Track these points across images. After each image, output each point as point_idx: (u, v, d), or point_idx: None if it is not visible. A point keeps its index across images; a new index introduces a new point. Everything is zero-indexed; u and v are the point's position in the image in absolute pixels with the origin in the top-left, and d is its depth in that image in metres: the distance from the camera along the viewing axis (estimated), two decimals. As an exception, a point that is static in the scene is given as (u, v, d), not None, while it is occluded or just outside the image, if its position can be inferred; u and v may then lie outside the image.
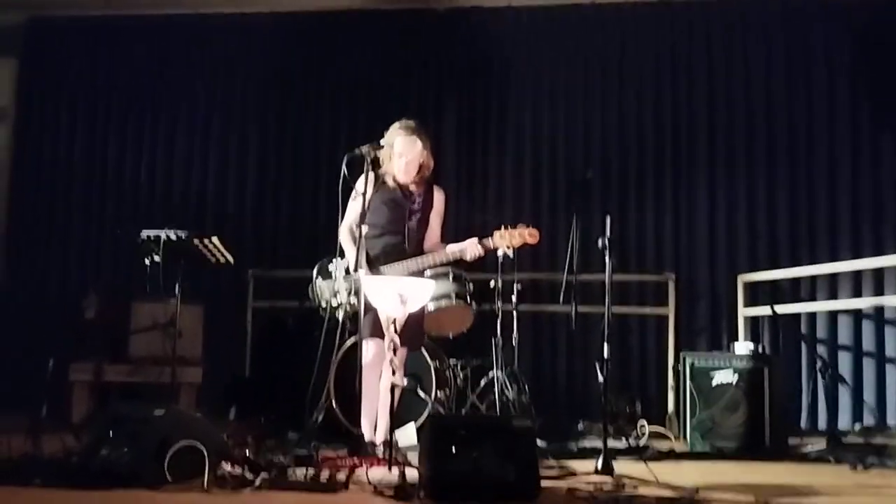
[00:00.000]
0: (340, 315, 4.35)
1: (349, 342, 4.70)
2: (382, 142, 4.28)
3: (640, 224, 6.54)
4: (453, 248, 4.33)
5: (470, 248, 4.24)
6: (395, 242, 4.30)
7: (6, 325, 6.90)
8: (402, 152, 4.31)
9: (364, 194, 4.11)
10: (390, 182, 4.37)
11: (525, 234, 4.21)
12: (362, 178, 4.24)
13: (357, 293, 4.04)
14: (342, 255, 4.43)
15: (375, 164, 4.26)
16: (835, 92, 6.33)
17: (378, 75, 6.85)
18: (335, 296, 4.42)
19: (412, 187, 4.38)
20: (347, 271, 4.40)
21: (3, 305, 6.95)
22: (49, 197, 7.09)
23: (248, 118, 7.03)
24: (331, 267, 4.51)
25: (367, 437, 4.14)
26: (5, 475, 3.19)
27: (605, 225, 4.03)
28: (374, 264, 4.25)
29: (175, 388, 4.81)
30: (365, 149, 4.16)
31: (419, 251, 4.39)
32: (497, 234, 4.23)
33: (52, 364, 4.47)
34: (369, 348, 4.14)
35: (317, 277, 4.56)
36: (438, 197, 4.48)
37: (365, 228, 4.02)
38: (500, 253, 4.45)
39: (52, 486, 3.05)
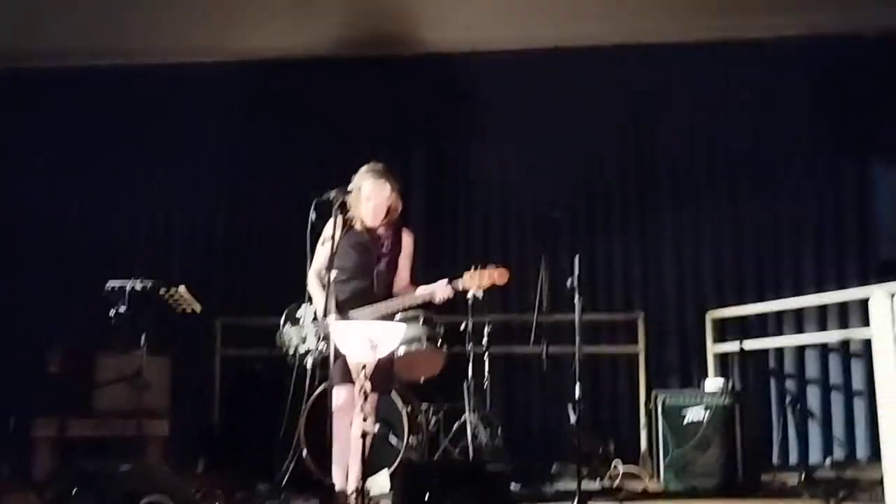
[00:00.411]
0: (309, 362, 4.29)
1: (319, 389, 4.64)
2: (350, 186, 4.29)
3: (608, 263, 6.60)
4: (423, 291, 4.31)
5: (440, 291, 4.23)
6: (364, 287, 4.28)
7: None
8: (369, 196, 4.30)
9: (332, 238, 4.09)
10: (358, 226, 4.36)
11: (494, 275, 4.20)
12: (330, 222, 4.22)
13: (327, 339, 4.02)
14: (311, 300, 4.40)
15: (343, 208, 4.25)
16: (795, 128, 6.47)
17: (346, 120, 6.87)
18: (303, 342, 4.38)
19: (380, 230, 4.37)
20: (316, 317, 4.37)
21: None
22: (11, 247, 6.96)
23: (215, 165, 7.01)
24: (299, 313, 4.47)
25: (338, 487, 4.07)
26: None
27: (574, 265, 4.05)
28: (343, 309, 4.21)
29: (142, 442, 4.71)
30: (333, 193, 4.15)
31: (388, 294, 4.35)
32: (467, 275, 4.22)
33: (13, 421, 4.36)
34: (339, 395, 4.09)
35: (285, 324, 4.52)
36: (407, 239, 4.47)
37: (334, 273, 3.99)
38: (470, 294, 4.43)
39: (14, 548, 2.96)
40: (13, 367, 6.51)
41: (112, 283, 4.31)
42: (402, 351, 4.88)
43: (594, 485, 4.71)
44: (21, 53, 6.92)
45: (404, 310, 4.35)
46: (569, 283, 4.01)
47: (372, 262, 4.31)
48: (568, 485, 4.83)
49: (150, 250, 6.91)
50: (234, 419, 5.92)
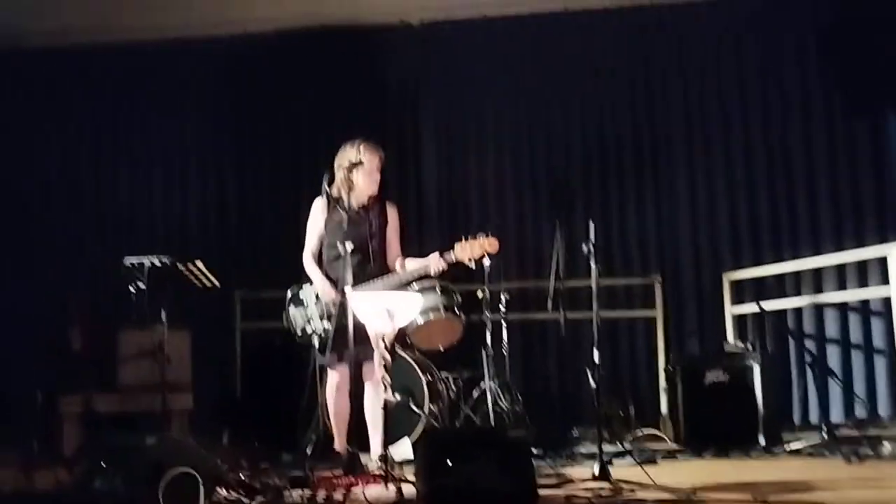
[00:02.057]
0: (316, 342, 4.38)
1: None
2: (339, 162, 4.39)
3: (623, 227, 6.57)
4: (416, 265, 4.37)
5: (433, 263, 4.29)
6: (358, 262, 4.29)
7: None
8: (363, 161, 4.36)
9: (346, 210, 4.13)
10: (345, 203, 4.40)
11: (485, 245, 4.26)
12: (318, 200, 4.40)
13: (330, 318, 4.22)
14: (310, 281, 4.49)
15: (331, 185, 4.35)
16: (809, 85, 6.37)
17: (356, 90, 6.86)
18: (308, 322, 4.45)
19: (367, 206, 4.41)
20: (318, 298, 4.45)
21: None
22: (29, 227, 7.02)
23: (227, 140, 7.02)
24: (302, 294, 4.53)
25: (339, 448, 4.31)
26: (-1, 512, 3.16)
27: (589, 230, 4.04)
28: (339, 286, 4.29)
29: (166, 415, 4.77)
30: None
31: (383, 268, 4.41)
32: (458, 246, 4.28)
33: (40, 398, 4.43)
34: (334, 374, 4.31)
35: (289, 305, 4.57)
36: (392, 212, 4.55)
37: (346, 247, 4.02)
38: (479, 263, 4.46)
39: (47, 522, 3.02)
40: (37, 346, 6.62)
41: (130, 260, 4.33)
42: (420, 320, 4.91)
43: (615, 448, 4.72)
44: (24, 33, 6.92)
45: (402, 285, 4.37)
46: (584, 248, 4.00)
47: (364, 237, 4.33)
48: (589, 449, 4.86)
49: (168, 227, 6.95)
50: (257, 391, 5.97)
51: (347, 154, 4.40)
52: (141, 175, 7.05)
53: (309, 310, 4.45)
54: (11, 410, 6.07)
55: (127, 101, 7.09)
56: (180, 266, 4.40)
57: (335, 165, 4.40)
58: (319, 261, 4.49)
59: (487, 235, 4.27)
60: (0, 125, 7.14)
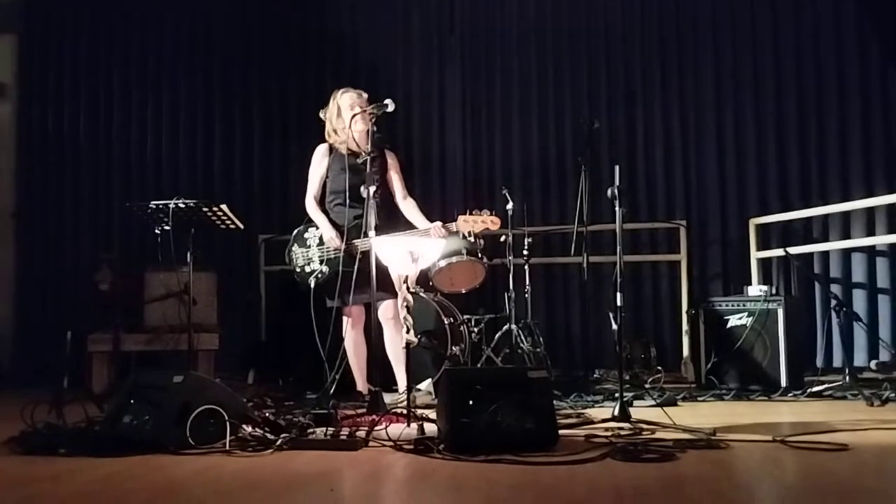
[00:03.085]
0: (312, 283, 4.46)
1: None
2: (330, 112, 4.50)
3: (649, 172, 6.51)
4: (418, 231, 4.44)
5: (434, 231, 4.35)
6: (361, 211, 4.30)
7: (24, 301, 6.99)
8: (348, 104, 4.44)
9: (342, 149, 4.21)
10: (343, 150, 4.48)
11: (487, 221, 4.33)
12: (320, 147, 4.53)
13: (330, 262, 4.43)
14: (315, 225, 4.55)
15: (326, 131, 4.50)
16: (842, 27, 6.22)
17: (373, 36, 6.82)
18: (308, 263, 4.50)
19: (366, 153, 4.36)
20: (321, 241, 4.49)
21: (19, 282, 7.01)
22: (56, 171, 7.10)
23: (250, 85, 7.01)
24: (306, 235, 4.57)
25: (361, 388, 4.52)
26: (32, 446, 3.24)
27: (614, 175, 4.00)
28: (349, 235, 4.37)
29: (192, 355, 4.84)
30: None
31: (390, 214, 4.51)
32: (461, 219, 4.35)
33: (70, 336, 4.51)
34: (354, 312, 4.46)
35: (293, 244, 4.61)
36: (391, 156, 4.64)
37: (370, 189, 4.04)
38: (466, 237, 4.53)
39: (78, 455, 3.09)
40: (66, 286, 6.75)
41: (155, 203, 4.36)
42: (443, 263, 4.94)
43: (636, 391, 4.75)
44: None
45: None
46: (609, 192, 3.96)
47: (364, 184, 4.32)
48: (609, 390, 4.89)
49: (191, 172, 6.99)
50: (281, 332, 6.06)
51: (338, 100, 4.49)
52: (166, 119, 7.07)
53: (311, 252, 4.53)
54: (42, 348, 6.23)
55: (150, 44, 7.08)
56: (205, 209, 4.42)
57: (336, 111, 4.49)
58: (322, 207, 4.55)
59: (492, 213, 4.34)
60: (26, 70, 7.19)
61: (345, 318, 4.46)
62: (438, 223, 4.36)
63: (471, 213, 4.34)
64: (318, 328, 4.16)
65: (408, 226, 4.54)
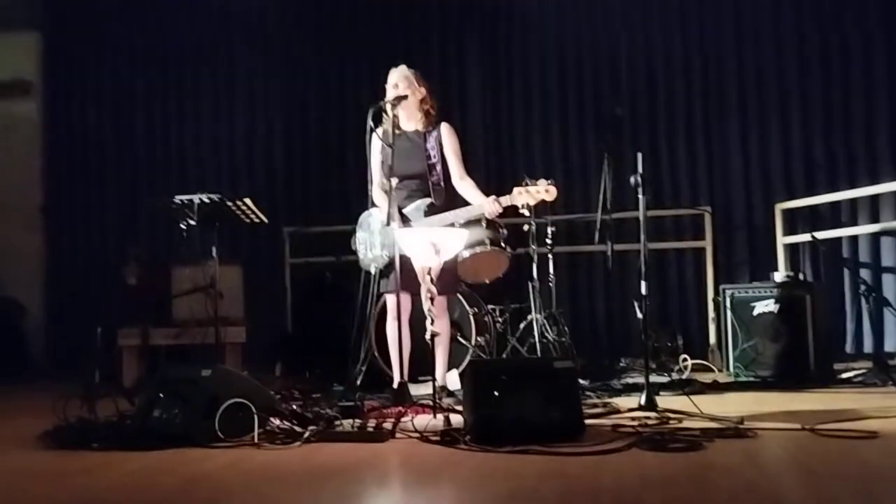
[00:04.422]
0: (373, 269, 4.35)
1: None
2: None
3: (672, 158, 6.46)
4: (473, 208, 4.27)
5: (488, 206, 4.19)
6: (417, 189, 4.27)
7: (54, 296, 7.09)
8: (390, 82, 4.33)
9: (391, 141, 4.11)
10: (399, 129, 4.33)
11: (542, 192, 4.10)
12: (375, 136, 4.30)
13: (390, 246, 4.12)
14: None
15: (379, 117, 4.27)
16: (868, 6, 6.12)
17: (399, 25, 6.80)
18: (371, 248, 4.45)
19: (420, 127, 4.31)
20: (381, 224, 4.43)
21: (49, 276, 7.12)
22: (82, 167, 7.19)
23: (273, 77, 7.03)
24: (370, 219, 4.52)
25: (397, 381, 4.26)
26: (64, 440, 3.29)
27: (637, 161, 3.97)
28: (405, 217, 4.26)
29: (220, 349, 4.89)
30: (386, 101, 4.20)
31: (445, 194, 4.36)
32: (516, 191, 4.14)
33: (99, 331, 4.57)
34: (394, 301, 4.21)
35: (357, 229, 4.57)
36: (447, 132, 4.42)
37: (394, 181, 4.02)
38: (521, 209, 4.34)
39: (110, 449, 3.15)
40: (95, 282, 6.83)
41: (180, 198, 4.40)
42: (466, 254, 4.92)
43: (662, 378, 4.73)
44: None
45: (457, 223, 4.30)
46: (632, 180, 3.94)
47: (422, 163, 4.30)
48: (636, 379, 4.87)
49: (216, 166, 7.04)
50: (308, 325, 6.09)
51: (390, 78, 4.36)
52: (190, 113, 7.12)
53: (374, 237, 4.44)
54: (73, 344, 6.32)
55: (172, 38, 7.13)
56: (229, 203, 4.45)
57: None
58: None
59: (549, 182, 4.12)
60: (50, 66, 7.28)
61: (391, 302, 4.29)
62: (493, 197, 4.18)
63: (525, 185, 4.14)
64: (349, 320, 4.07)
65: (466, 205, 4.37)
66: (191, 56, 7.12)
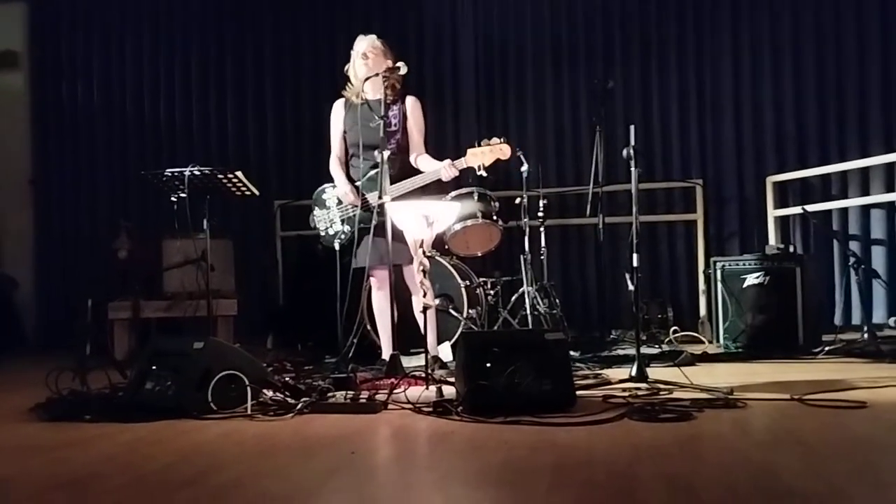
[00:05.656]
0: (336, 245, 4.40)
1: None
2: (347, 67, 4.40)
3: (664, 131, 6.46)
4: (429, 174, 4.27)
5: (444, 171, 4.19)
6: (376, 162, 4.22)
7: (44, 269, 7.06)
8: (358, 50, 4.34)
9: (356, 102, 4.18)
10: (357, 100, 4.37)
11: (496, 150, 4.12)
12: (337, 102, 4.41)
13: (351, 222, 4.32)
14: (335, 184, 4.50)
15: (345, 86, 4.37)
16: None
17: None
18: (331, 225, 4.48)
19: (385, 98, 4.22)
20: (340, 201, 4.46)
21: (39, 249, 7.08)
22: (71, 139, 7.13)
23: (262, 51, 6.97)
24: (325, 196, 4.54)
25: (387, 355, 4.28)
26: (56, 412, 3.30)
27: (630, 134, 3.97)
28: (362, 189, 4.29)
29: (212, 321, 4.88)
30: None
31: (404, 166, 4.35)
32: (469, 152, 4.17)
33: (90, 304, 4.56)
34: (377, 275, 4.31)
35: (314, 207, 4.59)
36: (412, 105, 4.42)
37: (383, 154, 4.01)
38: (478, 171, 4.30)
39: (103, 421, 3.15)
40: (85, 254, 6.81)
41: (170, 171, 4.37)
42: (458, 227, 4.92)
43: (653, 350, 4.76)
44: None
45: (411, 190, 4.26)
46: (624, 153, 3.93)
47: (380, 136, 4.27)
48: (627, 351, 4.90)
49: (205, 140, 6.99)
50: (299, 298, 6.09)
51: (356, 46, 4.38)
52: (179, 87, 7.05)
53: (331, 213, 4.47)
54: (64, 316, 6.31)
55: (164, 13, 7.06)
56: (220, 176, 4.42)
57: (352, 61, 4.40)
58: (347, 162, 4.48)
59: (501, 140, 4.15)
60: (37, 38, 7.19)
61: (372, 280, 4.37)
62: (447, 161, 4.20)
63: (479, 145, 4.15)
64: (337, 292, 4.10)
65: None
66: (179, 26, 7.06)
